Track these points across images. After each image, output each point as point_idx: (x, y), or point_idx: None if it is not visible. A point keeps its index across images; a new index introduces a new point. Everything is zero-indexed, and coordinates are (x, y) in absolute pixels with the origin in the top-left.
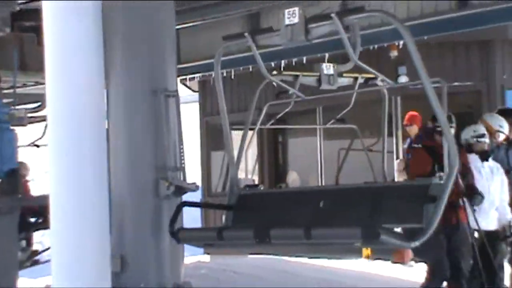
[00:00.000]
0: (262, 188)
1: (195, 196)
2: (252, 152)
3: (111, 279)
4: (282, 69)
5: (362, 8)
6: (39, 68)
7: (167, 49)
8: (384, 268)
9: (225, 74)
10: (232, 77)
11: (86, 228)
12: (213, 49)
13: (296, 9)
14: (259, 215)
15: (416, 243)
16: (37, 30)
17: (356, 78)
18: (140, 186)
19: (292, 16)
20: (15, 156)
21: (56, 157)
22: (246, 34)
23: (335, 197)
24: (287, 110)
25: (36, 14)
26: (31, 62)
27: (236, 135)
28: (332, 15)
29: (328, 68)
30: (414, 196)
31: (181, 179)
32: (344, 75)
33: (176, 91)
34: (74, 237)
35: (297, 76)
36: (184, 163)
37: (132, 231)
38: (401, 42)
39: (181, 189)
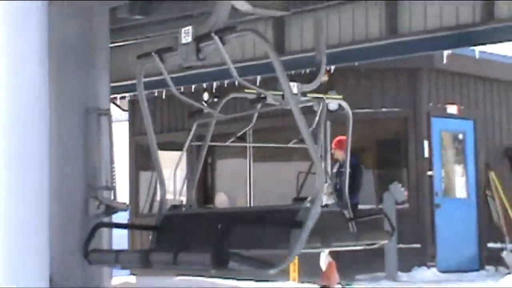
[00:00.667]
0: (184, 209)
1: (123, 217)
2: (180, 173)
3: None
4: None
5: (233, 28)
6: None
7: (100, 67)
8: None
9: (156, 94)
10: (163, 97)
11: (25, 237)
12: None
13: (190, 28)
14: (177, 237)
15: (275, 270)
16: None
17: (322, 98)
18: (69, 204)
19: (187, 35)
20: None
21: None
22: (153, 53)
23: (230, 219)
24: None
25: None
26: None
27: (165, 155)
28: (212, 34)
29: (292, 87)
30: (284, 221)
31: (111, 198)
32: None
33: (109, 109)
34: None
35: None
36: (115, 183)
37: (60, 250)
38: (332, 67)
39: (111, 209)
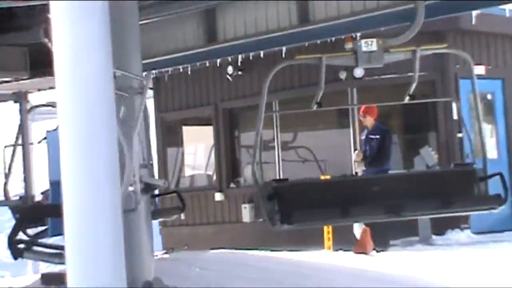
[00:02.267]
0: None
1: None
2: (204, 147)
3: None
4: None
5: None
6: None
7: (132, 46)
8: (346, 259)
9: (181, 70)
10: (189, 72)
11: (99, 227)
12: (168, 45)
13: None
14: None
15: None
16: None
17: (414, 51)
18: None
19: None
20: None
21: (69, 159)
22: None
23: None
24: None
25: None
26: None
27: (192, 131)
28: None
29: (369, 45)
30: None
31: (149, 176)
32: (392, 50)
33: (143, 88)
34: (88, 236)
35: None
36: (152, 160)
37: None
38: (358, 34)
39: (150, 186)
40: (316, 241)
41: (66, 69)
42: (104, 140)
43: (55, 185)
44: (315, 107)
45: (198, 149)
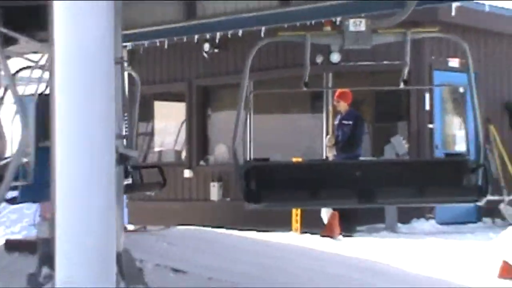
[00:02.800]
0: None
1: None
2: (175, 123)
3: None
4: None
5: None
6: None
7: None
8: (313, 242)
9: (158, 44)
10: (165, 46)
11: (92, 196)
12: (147, 18)
13: None
14: None
15: None
16: None
17: (404, 33)
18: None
19: None
20: None
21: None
22: None
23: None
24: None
25: None
26: None
27: (164, 106)
28: None
29: (357, 24)
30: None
31: (123, 147)
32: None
33: (122, 57)
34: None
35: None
36: (127, 131)
37: None
38: (338, 19)
39: (124, 157)
40: (284, 223)
41: (65, 34)
42: (102, 109)
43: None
44: (304, 88)
45: (168, 125)
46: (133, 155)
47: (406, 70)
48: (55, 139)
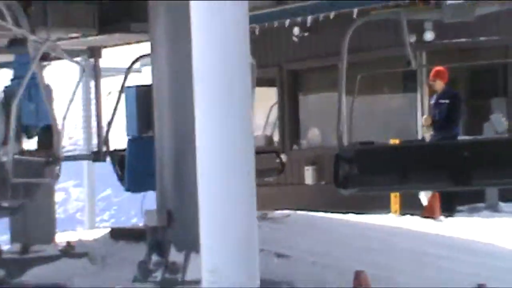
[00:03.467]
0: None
1: None
2: (265, 108)
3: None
4: None
5: None
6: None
7: None
8: (413, 223)
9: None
10: (256, 33)
11: (232, 184)
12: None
13: None
14: None
15: None
16: None
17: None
18: (185, 140)
19: None
20: (51, 112)
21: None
22: None
23: None
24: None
25: None
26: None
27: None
28: None
29: None
30: None
31: None
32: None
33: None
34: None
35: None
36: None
37: (178, 186)
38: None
39: None
40: (382, 205)
41: (203, 28)
42: (239, 106)
43: (132, 140)
44: (409, 67)
45: (258, 110)
46: None
47: None
48: (160, 129)
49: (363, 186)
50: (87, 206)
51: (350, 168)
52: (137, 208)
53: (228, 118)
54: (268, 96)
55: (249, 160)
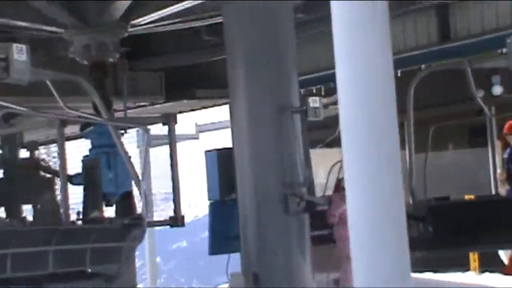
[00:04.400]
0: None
1: None
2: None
3: None
4: None
5: None
6: (131, 93)
7: (289, 62)
8: (495, 281)
9: (314, 91)
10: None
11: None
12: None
13: None
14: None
15: None
16: (129, 56)
17: None
18: (268, 202)
19: None
20: (129, 179)
21: (353, 166)
22: None
23: None
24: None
25: (129, 39)
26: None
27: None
28: None
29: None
30: None
31: (309, 194)
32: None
33: (302, 107)
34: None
35: None
36: (312, 179)
37: (262, 248)
38: (500, 51)
39: (312, 205)
40: (460, 262)
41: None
42: (388, 146)
43: (214, 203)
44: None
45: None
46: (320, 202)
47: None
48: (242, 192)
49: (436, 248)
50: (148, 278)
51: (423, 228)
52: (187, 276)
53: (378, 173)
54: (332, 155)
55: (400, 205)
